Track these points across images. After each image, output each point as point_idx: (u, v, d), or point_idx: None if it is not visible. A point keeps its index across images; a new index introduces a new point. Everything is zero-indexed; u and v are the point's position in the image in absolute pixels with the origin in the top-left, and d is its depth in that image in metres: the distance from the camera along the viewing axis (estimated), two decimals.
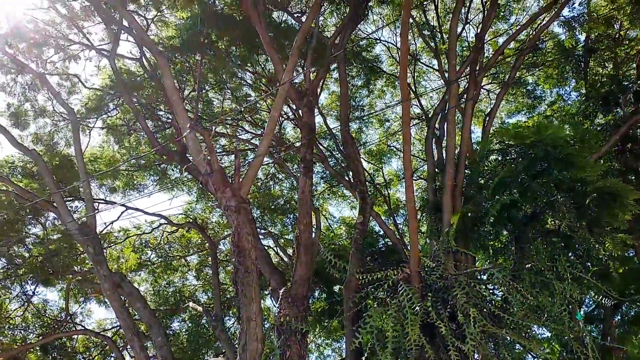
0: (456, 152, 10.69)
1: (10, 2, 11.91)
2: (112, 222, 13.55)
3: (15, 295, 14.44)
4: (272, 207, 15.02)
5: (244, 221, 9.00)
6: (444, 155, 11.38)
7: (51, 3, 11.64)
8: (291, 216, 15.16)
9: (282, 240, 15.04)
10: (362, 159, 13.42)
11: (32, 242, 13.57)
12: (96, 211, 10.70)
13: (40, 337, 13.87)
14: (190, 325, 14.67)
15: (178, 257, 15.18)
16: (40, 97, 12.51)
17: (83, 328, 14.27)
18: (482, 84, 13.54)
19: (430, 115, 13.09)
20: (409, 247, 13.35)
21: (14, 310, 14.54)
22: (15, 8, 11.80)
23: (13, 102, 12.15)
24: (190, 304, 13.00)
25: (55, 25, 12.18)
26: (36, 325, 14.77)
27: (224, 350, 11.71)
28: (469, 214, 9.60)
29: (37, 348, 14.27)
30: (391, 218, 15.25)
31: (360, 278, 8.78)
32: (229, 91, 13.69)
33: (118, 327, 14.42)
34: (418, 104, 15.07)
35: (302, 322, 9.70)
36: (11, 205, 11.84)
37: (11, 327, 14.52)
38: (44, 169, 10.32)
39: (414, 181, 13.19)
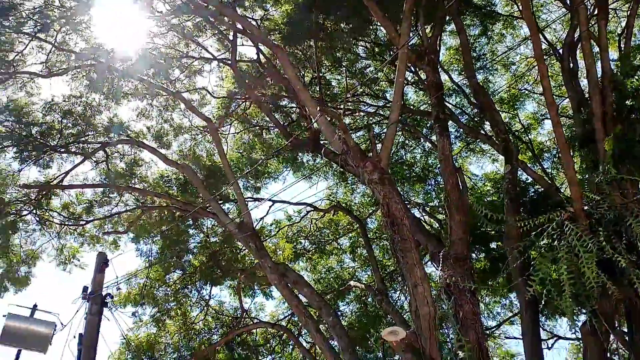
0: (598, 77, 9.88)
1: (131, 33, 12.87)
2: (262, 218, 14.26)
3: (194, 302, 15.71)
4: (410, 176, 14.87)
5: (390, 191, 9.00)
6: (585, 83, 10.61)
7: (169, 27, 12.46)
8: (431, 182, 14.90)
9: (429, 208, 14.83)
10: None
11: (197, 248, 14.69)
12: (250, 209, 11.29)
13: (223, 336, 14.88)
14: (357, 304, 15.01)
15: (330, 242, 15.56)
16: (175, 116, 13.51)
17: (259, 321, 15.14)
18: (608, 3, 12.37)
19: (559, 48, 12.29)
20: (562, 190, 12.64)
21: (196, 315, 15.81)
22: (138, 38, 12.76)
23: (152, 125, 13.25)
24: (352, 282, 13.29)
25: (175, 46, 13.03)
26: (217, 326, 15.91)
27: (393, 322, 11.80)
28: (626, 138, 8.85)
29: (222, 347, 15.38)
30: (537, 164, 14.44)
31: (522, 226, 8.41)
32: (344, 69, 13.75)
33: (290, 316, 15.15)
34: (544, 39, 14.08)
35: (469, 280, 9.51)
36: (172, 218, 12.91)
37: (196, 332, 15.76)
38: (196, 180, 11.09)
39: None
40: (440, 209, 13.95)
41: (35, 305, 9.14)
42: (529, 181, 12.94)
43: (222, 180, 12.84)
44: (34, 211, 13.00)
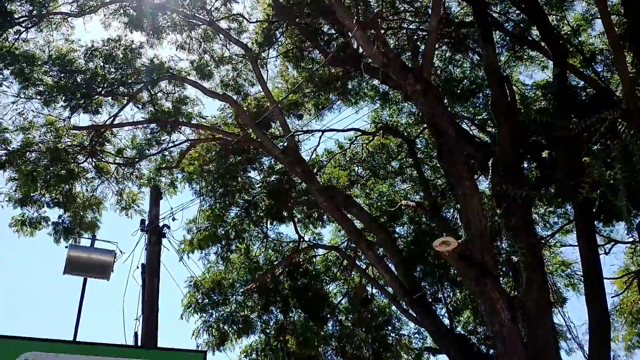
0: None
1: None
2: (315, 148, 14.32)
3: (254, 237, 16.18)
4: (459, 92, 14.45)
5: (434, 101, 8.82)
6: None
7: None
8: (480, 95, 14.44)
9: (478, 121, 14.45)
10: None
11: (253, 183, 15.02)
12: (293, 132, 11.32)
13: (282, 261, 15.32)
14: (410, 226, 15.08)
15: (382, 166, 15.54)
16: (215, 46, 13.49)
17: (315, 244, 15.53)
18: None
19: None
20: (616, 92, 12.00)
21: (257, 249, 16.30)
22: None
23: (193, 59, 13.31)
24: (403, 202, 13.32)
25: None
26: (278, 258, 16.35)
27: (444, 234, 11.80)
28: None
29: (285, 277, 15.88)
30: (588, 67, 13.69)
31: (573, 129, 8.10)
32: None
33: (348, 242, 15.43)
34: None
35: (520, 188, 9.34)
36: (222, 152, 13.12)
37: (259, 266, 16.24)
38: (239, 108, 11.19)
39: None
40: (490, 122, 13.57)
41: (94, 236, 9.72)
42: (579, 85, 12.36)
43: (266, 110, 12.87)
44: (90, 158, 13.54)
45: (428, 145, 14.86)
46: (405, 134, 14.84)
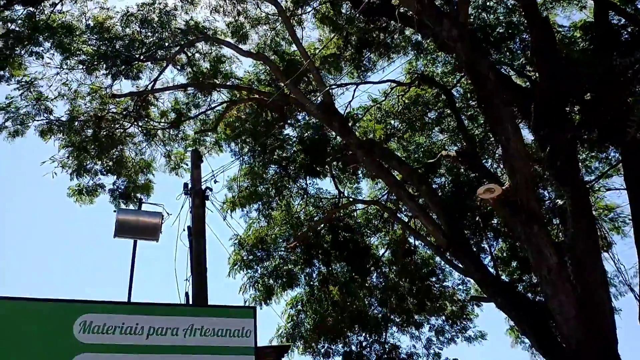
0: None
1: None
2: (349, 102, 14.27)
3: (294, 193, 16.39)
4: (493, 38, 14.06)
5: (472, 46, 8.66)
6: None
7: None
8: (517, 40, 14.02)
9: (517, 66, 14.07)
10: None
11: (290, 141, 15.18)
12: (329, 87, 11.27)
13: (323, 218, 15.54)
14: (449, 177, 15.01)
15: (418, 117, 15.36)
16: (249, 7, 13.42)
17: (355, 199, 15.65)
18: None
19: None
20: None
21: (297, 205, 16.53)
22: None
23: (229, 21, 13.32)
24: (443, 152, 13.19)
25: None
26: (318, 214, 16.57)
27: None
28: None
29: (326, 232, 16.10)
30: (630, 4, 13.07)
31: (616, 66, 7.90)
32: None
33: (388, 194, 15.49)
34: None
35: (563, 130, 9.20)
36: (259, 112, 13.22)
37: (300, 222, 16.49)
38: (273, 67, 11.20)
39: None
40: (528, 66, 13.22)
41: (140, 199, 10.05)
42: (621, 23, 11.88)
43: (300, 67, 12.83)
44: (136, 123, 13.86)
45: (466, 94, 14.62)
46: (442, 83, 14.61)
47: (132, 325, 7.07)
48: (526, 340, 15.24)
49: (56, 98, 12.43)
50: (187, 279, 9.66)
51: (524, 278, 14.31)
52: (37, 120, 12.41)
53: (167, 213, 10.08)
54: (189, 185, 10.37)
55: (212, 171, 10.80)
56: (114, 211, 9.76)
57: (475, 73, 8.56)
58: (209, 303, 9.31)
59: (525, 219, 8.21)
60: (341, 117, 11.11)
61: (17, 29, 11.04)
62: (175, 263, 9.95)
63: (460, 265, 11.08)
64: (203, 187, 10.43)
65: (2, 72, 11.41)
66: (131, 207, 10.29)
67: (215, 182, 10.90)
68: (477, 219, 13.76)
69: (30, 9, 10.96)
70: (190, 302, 9.30)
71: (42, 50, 11.76)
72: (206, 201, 10.32)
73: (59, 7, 12.19)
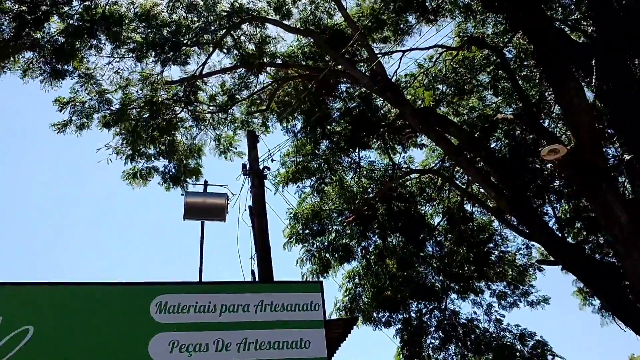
0: None
1: None
2: (395, 71, 14.02)
3: (346, 167, 16.38)
4: None
5: (529, 5, 8.36)
6: None
7: None
8: None
9: (570, 21, 13.50)
10: None
11: (339, 115, 15.11)
12: (379, 56, 11.12)
13: (378, 191, 15.49)
14: (505, 140, 14.64)
15: (468, 80, 14.98)
16: None
17: (410, 169, 15.50)
18: None
19: None
20: None
21: (350, 178, 16.50)
22: None
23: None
24: (499, 115, 12.87)
25: None
26: (371, 185, 16.51)
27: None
28: None
29: (380, 202, 16.05)
30: None
31: None
32: None
33: (441, 162, 15.29)
34: None
35: (629, 84, 8.81)
36: (308, 88, 13.20)
37: (354, 194, 16.47)
38: (321, 42, 11.11)
39: None
40: (583, 20, 12.64)
41: (206, 181, 10.26)
42: None
43: (348, 40, 12.68)
44: (186, 108, 14.10)
45: (519, 54, 14.14)
46: (492, 44, 14.16)
47: (205, 304, 7.27)
48: (595, 302, 14.94)
49: (115, 90, 12.74)
50: (251, 257, 9.84)
51: (590, 239, 13.96)
52: (99, 112, 12.77)
53: (232, 193, 10.25)
54: (247, 166, 10.48)
55: (269, 150, 10.88)
56: (182, 194, 10.01)
57: (532, 31, 8.27)
58: (274, 279, 9.47)
59: (591, 178, 7.96)
60: (394, 86, 10.94)
61: (76, 23, 11.29)
62: (237, 242, 10.13)
63: (524, 229, 10.86)
64: (260, 166, 10.53)
65: (66, 67, 11.75)
66: (197, 189, 10.51)
67: (272, 160, 10.99)
68: (537, 180, 13.41)
69: (87, 2, 11.19)
70: (257, 280, 9.47)
71: (101, 43, 12.07)
72: (264, 180, 10.43)
73: None
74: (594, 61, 9.18)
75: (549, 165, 12.45)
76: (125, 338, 6.89)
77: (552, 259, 10.93)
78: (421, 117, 10.61)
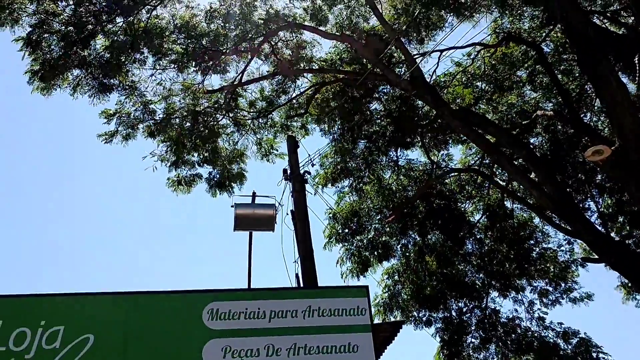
0: None
1: None
2: (434, 71, 14.03)
3: (385, 166, 16.44)
4: None
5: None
6: None
7: None
8: None
9: (609, 14, 13.23)
10: None
11: (377, 116, 15.19)
12: (417, 60, 11.18)
13: (418, 190, 15.48)
14: (546, 136, 14.47)
15: (507, 77, 14.85)
16: None
17: (450, 169, 15.45)
18: None
19: None
20: None
21: (389, 177, 16.53)
22: None
23: (307, 5, 13.39)
24: (539, 112, 12.74)
25: None
26: (410, 184, 16.50)
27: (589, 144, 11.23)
28: None
29: (420, 201, 16.03)
30: None
31: None
32: None
33: (481, 160, 15.19)
34: None
35: None
36: (346, 91, 13.32)
37: (392, 193, 16.46)
38: (359, 47, 11.21)
39: None
40: (623, 11, 12.38)
41: (254, 192, 10.47)
42: None
43: (384, 42, 12.72)
44: (227, 115, 14.41)
45: (557, 48, 13.94)
46: (530, 40, 13.99)
47: (254, 310, 7.47)
48: (639, 296, 14.69)
49: (159, 101, 13.12)
50: (295, 261, 10.02)
51: (634, 233, 13.71)
52: (144, 123, 13.19)
53: (280, 204, 10.45)
54: (288, 171, 10.66)
55: (309, 155, 11.04)
56: (232, 206, 10.24)
57: (572, 26, 8.19)
58: (317, 281, 9.63)
59: (639, 177, 7.87)
60: (432, 88, 10.94)
61: (120, 39, 11.68)
62: (282, 246, 10.32)
63: (566, 226, 10.74)
64: (301, 171, 10.70)
65: (112, 81, 12.19)
66: (245, 200, 10.76)
67: (313, 165, 11.14)
68: (579, 175, 13.22)
69: (130, 18, 11.56)
70: (301, 283, 9.64)
71: (144, 56, 12.46)
72: (305, 184, 10.59)
73: (153, 12, 12.70)
74: (637, 58, 9.02)
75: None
76: (180, 345, 7.10)
77: (595, 256, 10.80)
78: (460, 118, 10.60)
